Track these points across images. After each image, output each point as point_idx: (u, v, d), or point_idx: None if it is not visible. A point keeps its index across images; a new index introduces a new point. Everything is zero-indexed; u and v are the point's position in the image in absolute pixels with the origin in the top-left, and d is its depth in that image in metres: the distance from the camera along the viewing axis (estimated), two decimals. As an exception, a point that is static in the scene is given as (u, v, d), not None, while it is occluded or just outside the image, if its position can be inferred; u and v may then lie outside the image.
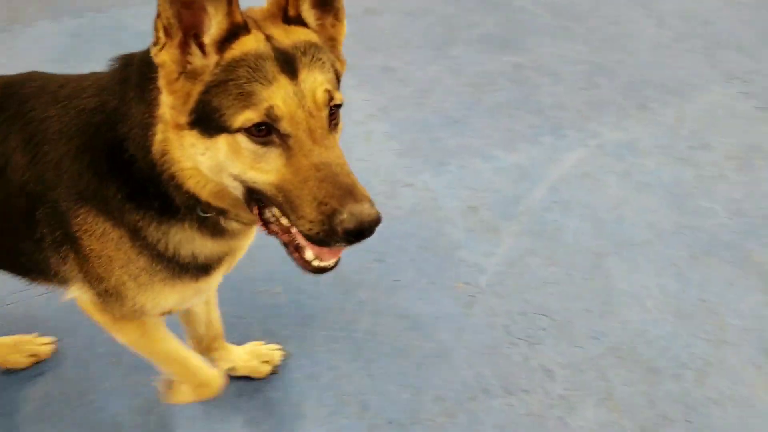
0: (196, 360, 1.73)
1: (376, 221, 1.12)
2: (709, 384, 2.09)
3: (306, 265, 1.24)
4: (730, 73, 3.10)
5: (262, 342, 2.11)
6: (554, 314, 2.24)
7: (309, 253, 1.23)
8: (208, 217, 1.35)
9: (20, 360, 2.01)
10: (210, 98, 1.15)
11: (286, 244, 1.26)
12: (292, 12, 1.23)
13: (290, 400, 2.02)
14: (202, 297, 1.60)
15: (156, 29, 1.14)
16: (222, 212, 1.33)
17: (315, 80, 1.16)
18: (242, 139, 1.14)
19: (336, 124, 1.22)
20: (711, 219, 2.52)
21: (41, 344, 2.07)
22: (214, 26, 1.15)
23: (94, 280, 1.45)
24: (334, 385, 2.05)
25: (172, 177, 1.25)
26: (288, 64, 1.15)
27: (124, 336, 1.63)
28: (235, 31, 1.15)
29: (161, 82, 1.19)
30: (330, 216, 1.10)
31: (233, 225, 1.39)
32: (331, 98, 1.17)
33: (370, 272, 2.32)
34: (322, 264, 1.24)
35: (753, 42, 3.28)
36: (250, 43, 1.15)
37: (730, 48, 3.22)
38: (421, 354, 2.12)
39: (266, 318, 2.21)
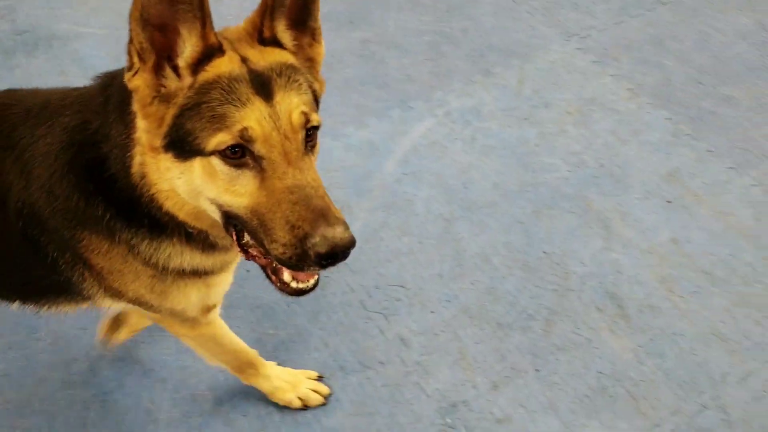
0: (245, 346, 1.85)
1: (350, 245, 1.13)
2: (556, 332, 2.20)
3: (284, 287, 1.26)
4: (568, 30, 3.22)
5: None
6: (408, 284, 2.29)
7: (287, 275, 1.25)
8: (197, 234, 1.35)
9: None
10: (184, 121, 1.14)
11: (264, 268, 1.27)
12: (267, 33, 1.22)
13: (141, 406, 1.98)
14: (224, 288, 1.60)
15: (129, 54, 1.12)
16: (202, 233, 1.33)
17: (291, 102, 1.16)
18: (216, 162, 1.13)
19: (313, 146, 1.21)
20: (553, 173, 2.63)
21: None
22: (188, 48, 1.14)
23: (114, 295, 1.47)
24: (187, 385, 2.03)
25: (152, 199, 1.25)
26: (263, 86, 1.15)
27: (196, 340, 1.71)
28: (210, 53, 1.15)
29: (135, 106, 1.17)
30: (302, 239, 1.11)
31: (224, 241, 1.38)
32: (308, 120, 1.17)
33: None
34: (300, 285, 1.26)
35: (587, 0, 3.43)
36: (225, 65, 1.14)
37: (567, 7, 3.34)
38: (277, 341, 2.12)
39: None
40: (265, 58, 1.20)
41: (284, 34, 1.28)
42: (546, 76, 3.00)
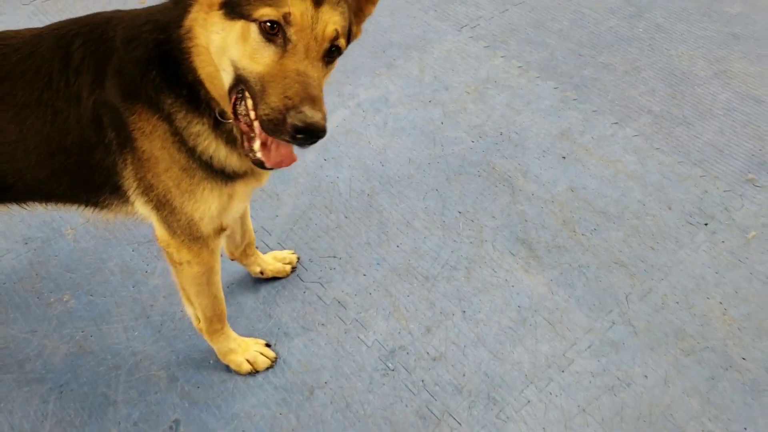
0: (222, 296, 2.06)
1: (321, 129, 1.32)
2: (476, 277, 2.49)
3: (250, 153, 1.47)
4: (459, 22, 3.60)
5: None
6: (339, 254, 2.53)
7: (256, 145, 1.46)
8: (223, 124, 1.59)
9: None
10: None
11: (242, 134, 1.48)
12: None
13: (98, 392, 2.12)
14: (239, 207, 1.81)
15: None
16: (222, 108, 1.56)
17: (331, 17, 1.39)
18: (254, 29, 1.36)
19: (330, 62, 1.44)
20: (459, 145, 2.95)
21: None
22: None
23: (146, 188, 1.68)
24: (140, 368, 2.19)
25: (189, 52, 1.50)
26: None
27: (192, 267, 1.86)
28: None
29: None
30: (288, 109, 1.31)
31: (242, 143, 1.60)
32: (336, 37, 1.40)
33: (160, 260, 2.47)
34: (262, 159, 1.47)
35: (474, -6, 3.84)
36: None
37: (456, 2, 3.73)
38: (222, 318, 2.32)
39: (61, 324, 2.29)
40: None
41: None
42: (443, 63, 3.35)
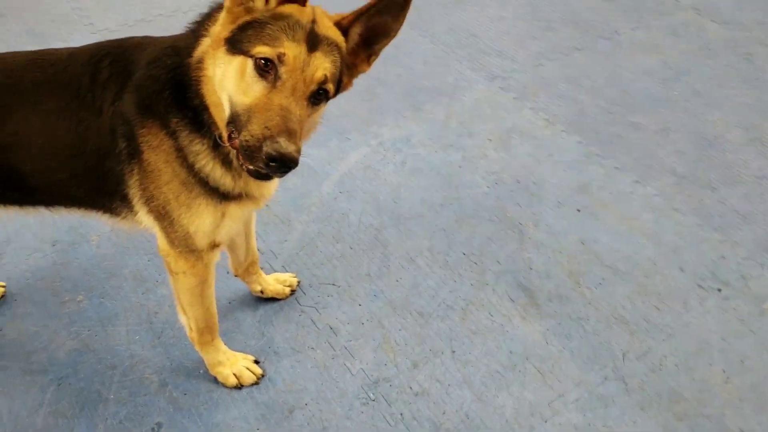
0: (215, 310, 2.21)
1: (292, 160, 1.45)
2: (471, 319, 2.54)
3: (244, 165, 1.59)
4: (492, 74, 3.73)
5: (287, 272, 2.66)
6: (339, 282, 2.63)
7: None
8: (220, 147, 1.75)
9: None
10: (248, 28, 1.55)
11: (237, 150, 1.61)
12: (344, 22, 1.64)
13: (93, 388, 2.27)
14: (232, 227, 1.95)
15: None
16: (215, 130, 1.73)
17: (322, 62, 1.55)
18: (250, 64, 1.52)
19: (316, 104, 1.59)
20: (474, 189, 3.04)
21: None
22: None
23: (148, 198, 1.85)
24: (135, 371, 2.33)
25: (197, 80, 1.68)
26: (313, 41, 1.54)
27: (187, 278, 2.00)
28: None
29: (226, 3, 1.59)
30: (265, 138, 1.45)
31: (237, 163, 1.77)
32: (324, 81, 1.55)
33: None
34: (251, 168, 1.59)
35: (510, 47, 3.95)
36: (299, 12, 1.56)
37: (492, 54, 3.87)
38: (219, 331, 2.44)
39: (71, 322, 2.46)
40: (328, 30, 1.61)
41: (354, 34, 1.69)
42: (471, 111, 3.47)
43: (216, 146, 1.77)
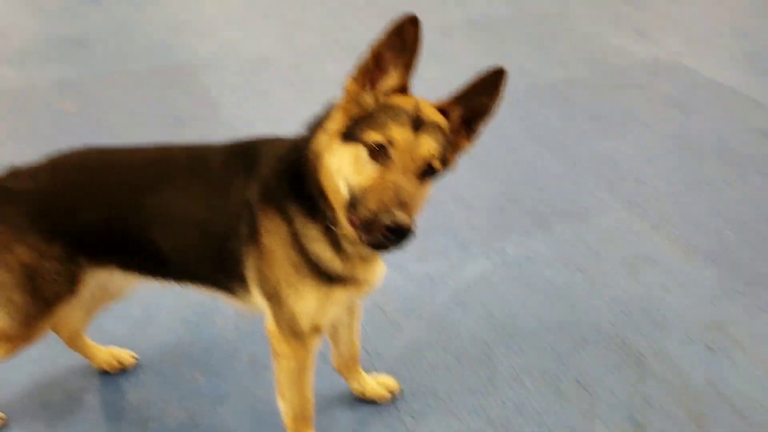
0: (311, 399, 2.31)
1: (408, 229, 1.60)
2: (576, 449, 2.38)
3: (362, 239, 1.73)
4: (630, 200, 3.65)
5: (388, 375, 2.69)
6: (440, 393, 2.61)
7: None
8: (332, 231, 1.92)
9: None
10: (360, 120, 1.76)
11: (355, 229, 1.73)
12: (445, 107, 1.85)
13: None
14: (335, 311, 2.09)
15: (356, 68, 1.79)
16: (334, 217, 1.88)
17: (427, 142, 1.73)
18: (363, 150, 1.72)
19: (424, 180, 1.75)
20: (595, 315, 2.93)
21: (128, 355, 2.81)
22: (390, 81, 1.79)
23: (262, 278, 2.04)
24: None
25: (315, 170, 1.87)
26: (418, 124, 1.74)
27: (288, 361, 2.14)
28: (399, 90, 1.80)
29: (339, 102, 1.84)
30: (380, 212, 1.61)
31: (348, 246, 1.94)
32: (431, 159, 1.73)
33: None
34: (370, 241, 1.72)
35: (653, 176, 3.86)
36: (403, 101, 1.78)
37: (631, 181, 3.80)
38: (315, 425, 2.48)
39: (184, 397, 2.64)
40: (431, 114, 1.79)
41: (455, 116, 1.87)
42: (602, 234, 3.40)
43: (328, 230, 1.93)
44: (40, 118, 4.87)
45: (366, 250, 1.96)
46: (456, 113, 1.85)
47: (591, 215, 3.55)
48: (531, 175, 3.89)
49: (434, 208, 3.64)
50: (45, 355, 2.84)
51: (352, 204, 1.73)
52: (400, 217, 1.58)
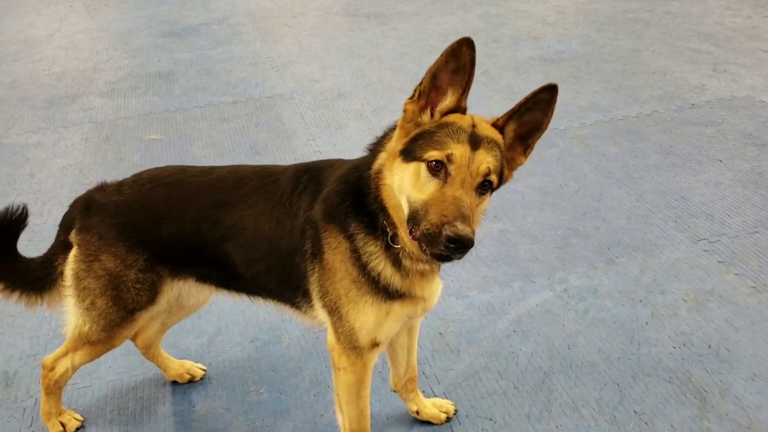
0: (368, 414, 2.41)
1: (469, 240, 1.73)
2: (632, 480, 2.39)
3: (426, 253, 1.87)
4: (698, 235, 3.63)
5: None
6: (496, 418, 2.67)
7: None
8: (391, 248, 2.08)
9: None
10: (419, 139, 1.92)
11: (419, 242, 1.88)
12: (500, 123, 1.99)
13: None
14: (393, 327, 2.20)
15: (415, 90, 1.96)
16: (394, 233, 2.04)
17: (484, 158, 1.88)
18: (423, 167, 1.87)
19: (482, 194, 1.89)
20: (657, 348, 2.93)
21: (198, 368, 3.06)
22: (446, 102, 1.95)
23: (324, 293, 2.20)
24: None
25: (377, 189, 2.04)
26: (475, 141, 1.89)
27: (347, 375, 2.26)
28: (456, 109, 1.95)
29: (399, 122, 2.00)
30: (443, 224, 1.76)
31: (407, 262, 2.09)
32: (488, 173, 1.87)
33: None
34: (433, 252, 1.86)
35: (723, 213, 3.83)
36: (460, 119, 1.93)
37: (701, 217, 3.78)
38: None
39: (249, 410, 2.80)
40: (486, 131, 1.93)
41: (509, 131, 2.01)
42: (668, 269, 3.40)
43: (388, 248, 2.05)
44: (127, 146, 5.26)
45: (425, 266, 2.08)
46: (511, 129, 1.97)
47: (657, 250, 3.56)
48: (599, 210, 3.94)
49: (500, 240, 3.74)
50: (122, 365, 3.08)
51: (414, 218, 1.85)
52: (462, 228, 1.70)
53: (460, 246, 1.71)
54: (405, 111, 1.96)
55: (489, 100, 5.53)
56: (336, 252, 2.13)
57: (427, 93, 1.93)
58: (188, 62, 7.05)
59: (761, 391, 2.69)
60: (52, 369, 2.64)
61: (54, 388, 2.71)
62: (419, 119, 1.93)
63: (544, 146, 4.75)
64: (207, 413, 2.83)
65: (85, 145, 5.35)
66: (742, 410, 2.61)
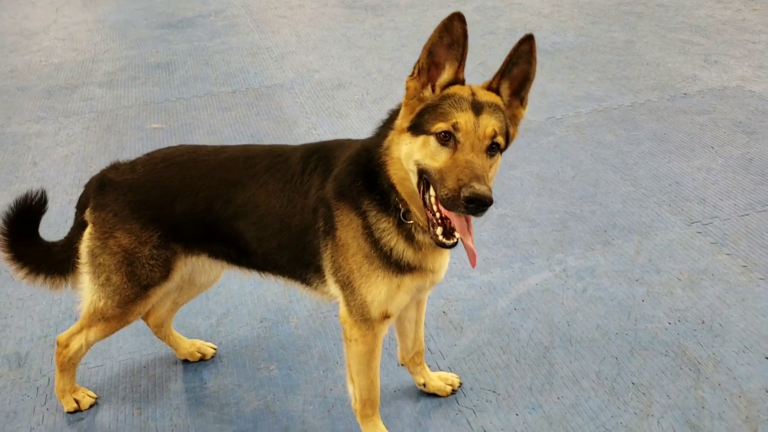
0: (378, 384, 2.52)
1: (487, 197, 1.82)
2: (630, 446, 2.51)
3: (435, 238, 2.01)
4: (691, 218, 3.76)
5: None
6: (499, 390, 2.79)
7: (439, 230, 2.01)
8: (405, 224, 2.18)
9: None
10: (424, 113, 2.01)
11: (429, 221, 2.03)
12: (494, 85, 2.09)
13: (265, 441, 2.64)
14: (404, 299, 2.30)
15: (414, 67, 2.05)
16: (406, 209, 2.14)
17: (489, 121, 1.97)
18: (432, 139, 1.96)
19: (492, 155, 1.99)
20: (654, 324, 3.06)
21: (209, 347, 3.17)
22: (445, 75, 2.05)
23: (336, 268, 2.30)
24: None
25: (385, 164, 2.13)
26: (477, 107, 1.99)
27: (358, 346, 2.36)
28: (455, 81, 2.05)
29: (403, 100, 2.09)
30: (461, 187, 1.85)
31: (419, 236, 2.19)
32: (495, 135, 1.97)
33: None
34: (445, 242, 2.00)
35: (715, 196, 3.96)
36: (460, 90, 2.02)
37: (694, 201, 3.91)
38: (382, 414, 2.70)
39: (260, 385, 2.90)
40: (485, 96, 2.03)
41: (504, 90, 2.11)
42: (662, 250, 3.53)
43: (400, 223, 2.15)
44: (129, 135, 5.35)
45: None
46: (505, 87, 2.08)
47: (652, 232, 3.69)
48: (595, 195, 4.06)
49: (499, 224, 3.86)
50: (133, 345, 3.18)
51: (422, 178, 1.95)
52: (479, 187, 1.80)
53: (479, 204, 1.80)
54: (407, 88, 2.06)
55: (486, 90, 5.62)
56: (348, 228, 2.23)
57: (427, 69, 2.03)
58: (186, 53, 7.13)
59: (751, 362, 2.82)
60: (67, 346, 2.74)
61: (68, 365, 2.81)
62: (422, 95, 2.04)
63: (541, 134, 4.90)
64: (218, 389, 2.94)
65: (86, 134, 5.43)
66: (733, 380, 2.74)
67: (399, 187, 2.11)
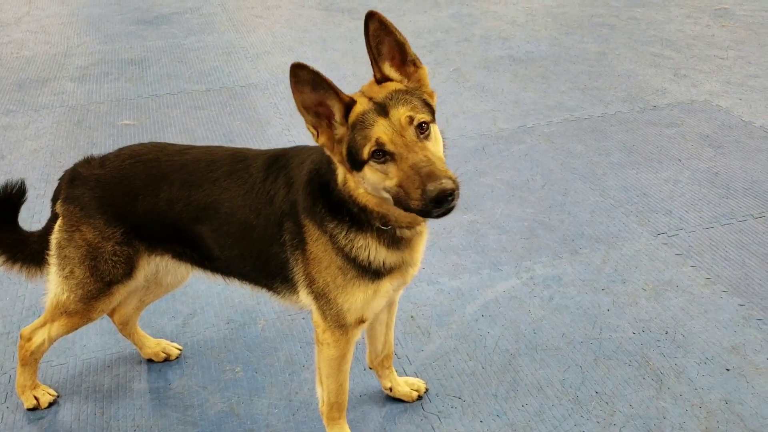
0: (347, 389, 2.50)
1: (448, 190, 1.81)
2: (591, 455, 2.52)
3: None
4: (658, 229, 3.80)
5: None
6: (465, 396, 2.79)
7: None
8: (385, 231, 2.15)
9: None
10: (350, 149, 1.97)
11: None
12: (378, 75, 2.06)
13: (228, 445, 2.60)
14: (380, 303, 2.29)
15: (308, 130, 2.02)
16: (387, 220, 2.11)
17: (399, 112, 1.93)
18: (372, 164, 1.93)
19: (426, 136, 1.95)
20: (618, 333, 3.08)
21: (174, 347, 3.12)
22: (335, 111, 2.00)
23: (310, 281, 2.27)
24: None
25: (353, 198, 2.10)
26: (382, 109, 1.95)
27: (330, 349, 2.33)
28: (349, 106, 1.99)
29: (327, 152, 2.06)
30: (423, 193, 1.83)
31: (405, 233, 2.17)
32: (413, 119, 1.93)
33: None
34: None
35: (681, 209, 4.01)
36: (359, 108, 1.97)
37: (660, 213, 3.96)
38: (348, 419, 2.68)
39: (225, 388, 2.86)
40: (382, 92, 1.99)
41: (391, 71, 2.07)
42: (628, 260, 3.56)
43: (380, 232, 2.12)
44: (100, 131, 5.27)
45: (423, 226, 2.19)
46: (390, 68, 2.05)
47: (619, 242, 3.72)
48: (564, 204, 4.09)
49: (469, 230, 3.86)
50: (97, 344, 3.12)
51: (400, 202, 1.91)
52: (438, 184, 1.79)
53: (446, 196, 1.80)
54: (323, 145, 2.04)
55: (460, 97, 5.66)
56: (318, 243, 2.20)
57: (319, 119, 2.00)
58: (161, 50, 7.04)
59: (712, 373, 2.85)
60: (29, 339, 2.70)
61: (30, 360, 2.76)
62: (337, 137, 2.00)
63: (512, 142, 4.91)
64: (183, 391, 2.89)
65: (56, 128, 5.33)
66: (694, 391, 2.77)
67: (378, 208, 2.07)
